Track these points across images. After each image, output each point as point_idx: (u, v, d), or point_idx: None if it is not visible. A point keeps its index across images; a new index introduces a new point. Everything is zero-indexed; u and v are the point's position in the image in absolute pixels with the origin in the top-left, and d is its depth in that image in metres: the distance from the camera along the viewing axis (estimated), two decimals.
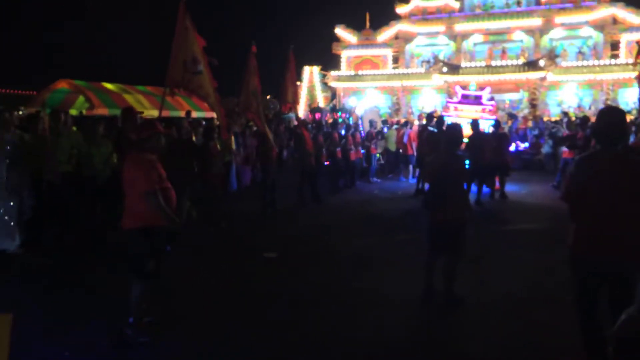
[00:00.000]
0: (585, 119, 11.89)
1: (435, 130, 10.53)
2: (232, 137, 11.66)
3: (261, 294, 5.35)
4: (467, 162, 8.71)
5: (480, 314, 4.82)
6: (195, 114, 21.08)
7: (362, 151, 13.85)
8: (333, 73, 27.04)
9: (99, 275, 5.81)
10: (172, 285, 5.26)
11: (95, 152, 7.12)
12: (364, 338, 4.34)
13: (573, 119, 15.37)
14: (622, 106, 22.06)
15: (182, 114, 15.50)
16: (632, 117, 15.06)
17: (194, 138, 9.20)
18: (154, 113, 16.07)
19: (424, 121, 12.93)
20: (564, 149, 12.26)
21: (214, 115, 18.26)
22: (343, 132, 13.22)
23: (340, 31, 27.38)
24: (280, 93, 10.59)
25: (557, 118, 19.72)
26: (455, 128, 5.36)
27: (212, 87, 6.89)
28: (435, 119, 12.82)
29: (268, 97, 25.53)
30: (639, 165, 3.42)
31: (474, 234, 7.35)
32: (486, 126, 10.98)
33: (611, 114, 3.46)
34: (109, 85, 19.88)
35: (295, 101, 11.49)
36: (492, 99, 11.63)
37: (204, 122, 12.40)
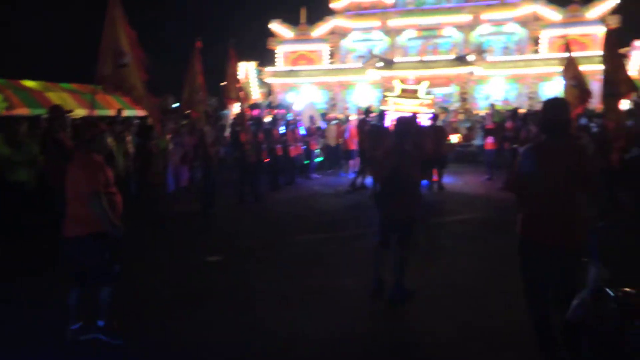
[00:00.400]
0: (515, 111, 12.43)
1: (377, 124, 10.62)
2: (168, 136, 11.21)
3: (207, 297, 5.14)
4: None
5: (429, 305, 4.87)
6: (126, 113, 20.20)
7: (303, 147, 13.77)
8: (269, 69, 26.77)
9: (34, 286, 5.35)
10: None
11: (17, 155, 6.56)
12: (314, 334, 4.27)
13: (503, 111, 16.05)
14: (543, 99, 23.40)
15: (113, 112, 14.75)
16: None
17: (128, 138, 8.73)
18: (80, 112, 15.14)
19: (363, 116, 13.04)
20: (488, 140, 12.74)
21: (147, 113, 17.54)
22: (283, 128, 13.08)
23: (275, 26, 27.12)
24: (224, 89, 10.25)
25: (486, 111, 20.56)
26: (405, 120, 5.31)
27: (139, 81, 6.41)
28: (373, 113, 12.99)
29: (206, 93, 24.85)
30: (583, 153, 3.54)
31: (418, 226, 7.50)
32: (424, 119, 11.21)
33: (557, 105, 3.55)
34: (29, 83, 18.51)
35: (243, 97, 11.17)
36: (429, 92, 11.90)
37: (135, 121, 11.83)
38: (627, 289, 2.85)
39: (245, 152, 10.09)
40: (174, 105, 20.50)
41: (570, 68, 8.94)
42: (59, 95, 18.64)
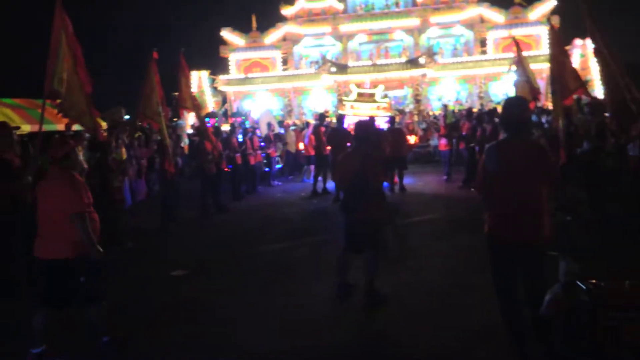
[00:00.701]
0: (469, 111, 12.73)
1: (337, 128, 10.65)
2: (123, 149, 10.86)
3: (173, 312, 4.97)
4: None
5: (402, 307, 4.87)
6: (74, 127, 19.45)
7: (262, 155, 13.64)
8: (222, 77, 26.46)
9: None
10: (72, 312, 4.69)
11: None
12: (285, 346, 4.20)
13: (457, 112, 16.43)
14: (493, 98, 24.24)
15: (61, 127, 14.13)
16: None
17: (80, 152, 8.36)
18: (25, 128, 14.39)
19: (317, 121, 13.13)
20: (441, 142, 13.01)
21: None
22: (241, 137, 12.93)
23: (226, 34, 26.85)
24: (177, 99, 10.01)
25: (439, 112, 21.03)
26: (364, 124, 5.32)
27: (85, 100, 6.11)
28: (328, 118, 13.09)
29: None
30: (544, 150, 3.64)
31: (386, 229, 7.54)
32: (382, 122, 11.34)
33: (517, 104, 3.63)
34: None
35: (197, 106, 10.94)
36: (385, 95, 12.04)
37: (87, 135, 11.39)
38: (597, 281, 2.94)
39: (205, 162, 9.89)
40: (126, 117, 19.89)
41: (520, 66, 9.26)
42: (1, 111, 17.74)
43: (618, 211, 7.17)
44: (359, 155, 4.91)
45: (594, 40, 6.67)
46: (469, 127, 11.35)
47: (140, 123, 9.40)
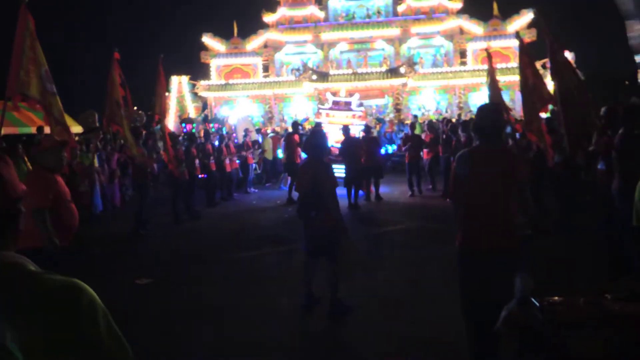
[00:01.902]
0: (430, 123, 12.85)
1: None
2: (95, 154, 10.67)
3: (133, 322, 4.83)
4: (342, 167, 8.88)
5: (367, 318, 4.80)
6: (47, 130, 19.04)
7: (238, 161, 13.52)
8: (203, 82, 26.32)
9: None
10: None
11: None
12: (249, 354, 4.10)
13: (435, 121, 16.51)
14: (472, 108, 24.50)
15: (33, 130, 13.84)
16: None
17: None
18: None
19: (290, 129, 13.13)
20: (406, 154, 12.97)
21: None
22: (217, 143, 12.80)
23: (207, 39, 26.75)
24: (154, 105, 9.86)
25: (408, 122, 20.99)
26: (317, 133, 5.29)
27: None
28: (300, 127, 13.15)
29: (135, 108, 24.00)
30: (516, 157, 3.61)
31: (355, 237, 7.48)
32: (357, 131, 11.32)
33: (491, 111, 3.56)
34: None
35: (163, 113, 10.79)
36: (361, 104, 12.04)
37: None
38: (553, 298, 2.90)
39: (175, 168, 9.72)
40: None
41: (490, 77, 9.34)
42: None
43: (586, 223, 7.24)
44: (313, 163, 4.88)
45: (554, 57, 6.64)
46: (428, 138, 11.47)
47: (109, 128, 9.19)
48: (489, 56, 9.18)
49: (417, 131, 13.26)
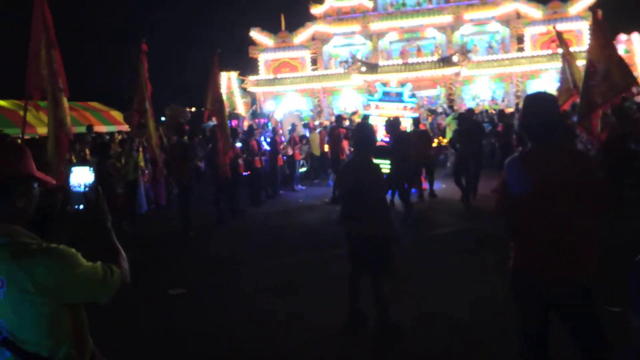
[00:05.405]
0: (501, 112, 11.96)
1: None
2: (141, 153, 10.58)
3: (170, 332, 4.51)
4: (388, 163, 8.26)
5: (420, 341, 4.25)
6: (104, 128, 19.42)
7: (284, 158, 13.17)
8: (252, 78, 26.26)
9: None
10: None
11: None
12: None
13: (491, 111, 15.57)
14: None
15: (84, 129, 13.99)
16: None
17: (72, 159, 8.10)
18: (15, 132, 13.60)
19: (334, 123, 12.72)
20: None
21: (122, 129, 16.76)
22: (268, 139, 12.52)
23: (255, 34, 26.63)
24: (206, 100, 9.53)
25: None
26: (364, 127, 4.61)
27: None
28: (344, 120, 12.67)
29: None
30: (588, 159, 2.93)
31: (404, 242, 6.88)
32: (408, 124, 10.65)
33: (539, 102, 2.79)
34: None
35: (218, 108, 10.49)
36: (413, 95, 11.34)
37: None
38: None
39: (220, 165, 9.43)
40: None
41: (564, 61, 8.54)
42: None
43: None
44: (358, 163, 4.29)
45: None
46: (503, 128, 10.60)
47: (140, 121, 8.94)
48: (561, 38, 8.34)
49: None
